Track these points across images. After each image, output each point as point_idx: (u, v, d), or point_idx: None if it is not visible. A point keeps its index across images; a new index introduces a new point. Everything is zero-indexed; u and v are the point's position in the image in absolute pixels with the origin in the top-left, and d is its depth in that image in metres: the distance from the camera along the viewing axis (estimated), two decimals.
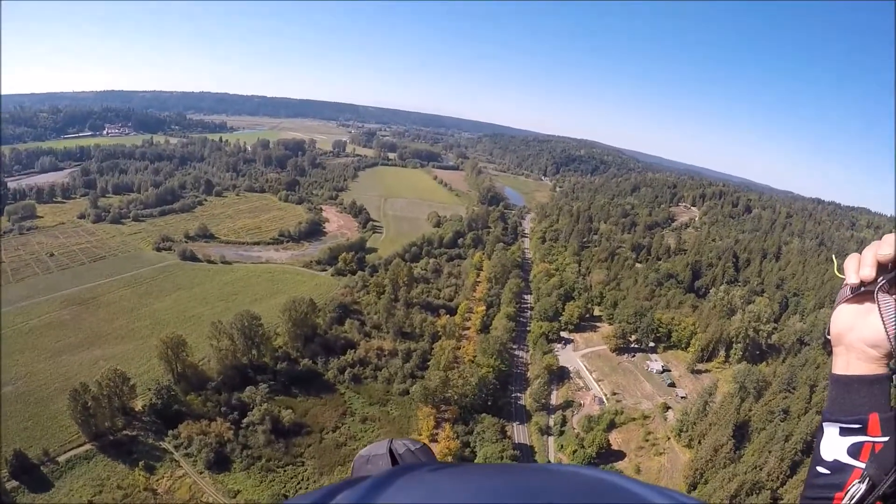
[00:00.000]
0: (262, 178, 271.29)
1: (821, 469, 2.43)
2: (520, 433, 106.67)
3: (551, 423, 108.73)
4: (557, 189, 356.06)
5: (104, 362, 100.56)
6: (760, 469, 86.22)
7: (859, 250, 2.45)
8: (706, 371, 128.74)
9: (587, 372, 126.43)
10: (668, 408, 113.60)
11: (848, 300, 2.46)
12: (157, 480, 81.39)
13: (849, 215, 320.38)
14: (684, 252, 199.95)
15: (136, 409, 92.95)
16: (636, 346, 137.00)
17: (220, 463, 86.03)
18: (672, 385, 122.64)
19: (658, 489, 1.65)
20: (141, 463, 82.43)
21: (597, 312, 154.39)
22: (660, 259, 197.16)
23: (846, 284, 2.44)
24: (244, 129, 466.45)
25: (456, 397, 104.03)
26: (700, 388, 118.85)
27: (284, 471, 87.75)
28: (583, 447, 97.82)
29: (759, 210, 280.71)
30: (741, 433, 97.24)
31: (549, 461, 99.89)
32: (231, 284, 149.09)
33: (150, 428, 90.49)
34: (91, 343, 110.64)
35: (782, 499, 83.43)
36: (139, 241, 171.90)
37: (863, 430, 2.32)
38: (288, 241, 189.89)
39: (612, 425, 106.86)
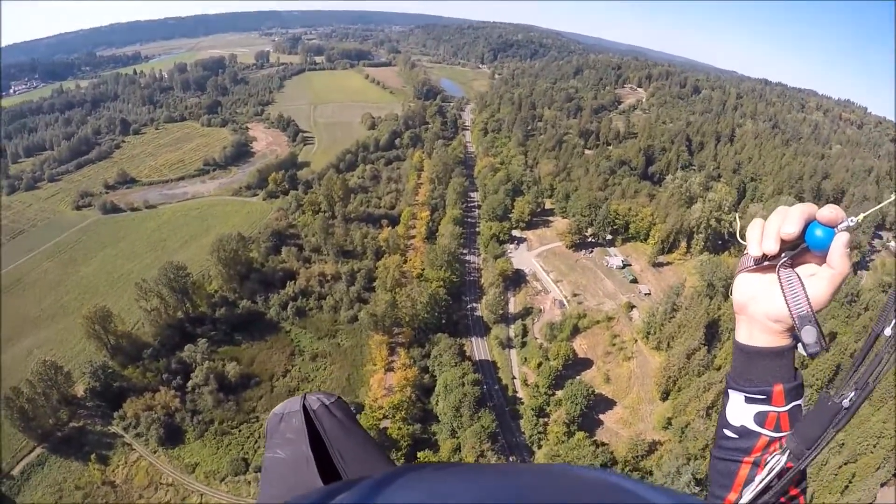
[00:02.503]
0: (181, 105, 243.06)
1: (728, 432, 2.48)
2: (479, 349, 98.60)
3: (511, 333, 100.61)
4: (496, 76, 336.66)
5: (38, 351, 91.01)
6: None
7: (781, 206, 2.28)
8: (668, 264, 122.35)
9: (544, 273, 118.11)
10: (633, 306, 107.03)
11: (750, 269, 2.39)
12: (113, 470, 75.20)
13: (797, 97, 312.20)
14: (635, 136, 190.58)
15: (79, 396, 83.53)
16: (593, 240, 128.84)
17: (172, 436, 78.97)
18: (634, 281, 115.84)
19: (661, 490, 1.66)
20: (93, 456, 74.94)
21: (548, 205, 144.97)
22: (609, 144, 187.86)
23: (747, 253, 2.34)
24: (160, 56, 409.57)
25: (407, 319, 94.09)
26: (664, 284, 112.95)
27: (239, 431, 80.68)
28: (547, 359, 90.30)
29: (709, 91, 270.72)
30: (711, 332, 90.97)
31: (513, 377, 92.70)
32: (158, 231, 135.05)
33: (96, 413, 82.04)
34: (22, 333, 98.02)
35: None
36: (57, 203, 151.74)
37: (767, 401, 2.36)
38: (214, 170, 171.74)
39: (575, 331, 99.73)
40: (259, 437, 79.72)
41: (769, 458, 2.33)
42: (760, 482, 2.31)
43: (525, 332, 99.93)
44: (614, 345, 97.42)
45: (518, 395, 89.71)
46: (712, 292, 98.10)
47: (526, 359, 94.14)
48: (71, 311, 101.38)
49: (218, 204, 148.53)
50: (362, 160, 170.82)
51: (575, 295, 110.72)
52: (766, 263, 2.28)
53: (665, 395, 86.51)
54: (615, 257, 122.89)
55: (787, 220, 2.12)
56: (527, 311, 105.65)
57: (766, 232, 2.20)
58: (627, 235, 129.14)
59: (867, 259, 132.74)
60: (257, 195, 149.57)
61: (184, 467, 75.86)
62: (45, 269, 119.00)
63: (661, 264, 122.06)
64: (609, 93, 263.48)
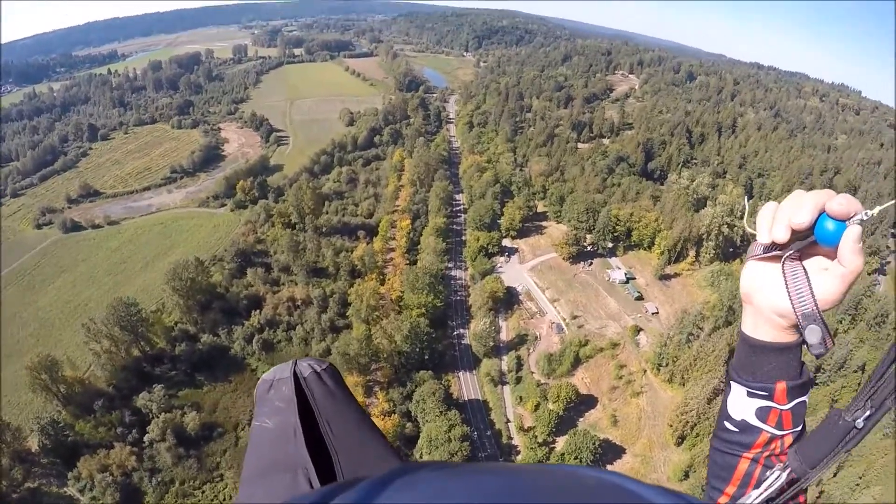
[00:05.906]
0: (153, 106, 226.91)
1: (728, 425, 2.39)
2: (468, 386, 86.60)
3: (504, 367, 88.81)
4: (482, 64, 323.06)
5: None
6: None
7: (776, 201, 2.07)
8: (676, 275, 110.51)
9: (539, 291, 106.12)
10: (640, 329, 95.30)
11: (759, 258, 2.19)
12: None
13: (792, 82, 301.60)
14: (630, 127, 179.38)
15: (33, 451, 73.88)
16: (592, 249, 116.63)
17: (130, 499, 69.61)
18: (640, 298, 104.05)
19: (662, 490, 1.59)
20: None
21: (541, 208, 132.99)
22: (605, 137, 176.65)
23: (758, 241, 2.15)
24: (137, 54, 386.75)
25: (385, 355, 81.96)
26: (672, 301, 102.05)
27: (203, 492, 71.05)
28: (546, 400, 78.55)
29: (704, 77, 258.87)
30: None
31: (507, 420, 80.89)
32: (119, 250, 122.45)
33: (51, 472, 72.66)
34: None
35: None
36: (19, 221, 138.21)
37: (769, 398, 2.25)
38: (182, 177, 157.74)
39: (576, 362, 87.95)
40: (225, 498, 70.28)
41: (769, 474, 2.24)
42: (759, 496, 2.23)
43: (520, 365, 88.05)
44: (621, 377, 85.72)
45: (514, 441, 77.97)
46: (733, 317, 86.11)
47: (521, 398, 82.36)
48: (26, 349, 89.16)
49: (183, 217, 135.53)
50: (338, 161, 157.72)
51: (574, 317, 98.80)
52: (775, 253, 2.08)
53: (681, 440, 75.00)
54: (618, 270, 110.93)
55: (799, 210, 1.91)
56: (521, 339, 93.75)
57: (777, 218, 1.99)
58: (630, 243, 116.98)
59: (884, 262, 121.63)
60: (225, 205, 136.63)
61: None
62: (3, 299, 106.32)
63: (667, 276, 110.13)
64: (600, 80, 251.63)
